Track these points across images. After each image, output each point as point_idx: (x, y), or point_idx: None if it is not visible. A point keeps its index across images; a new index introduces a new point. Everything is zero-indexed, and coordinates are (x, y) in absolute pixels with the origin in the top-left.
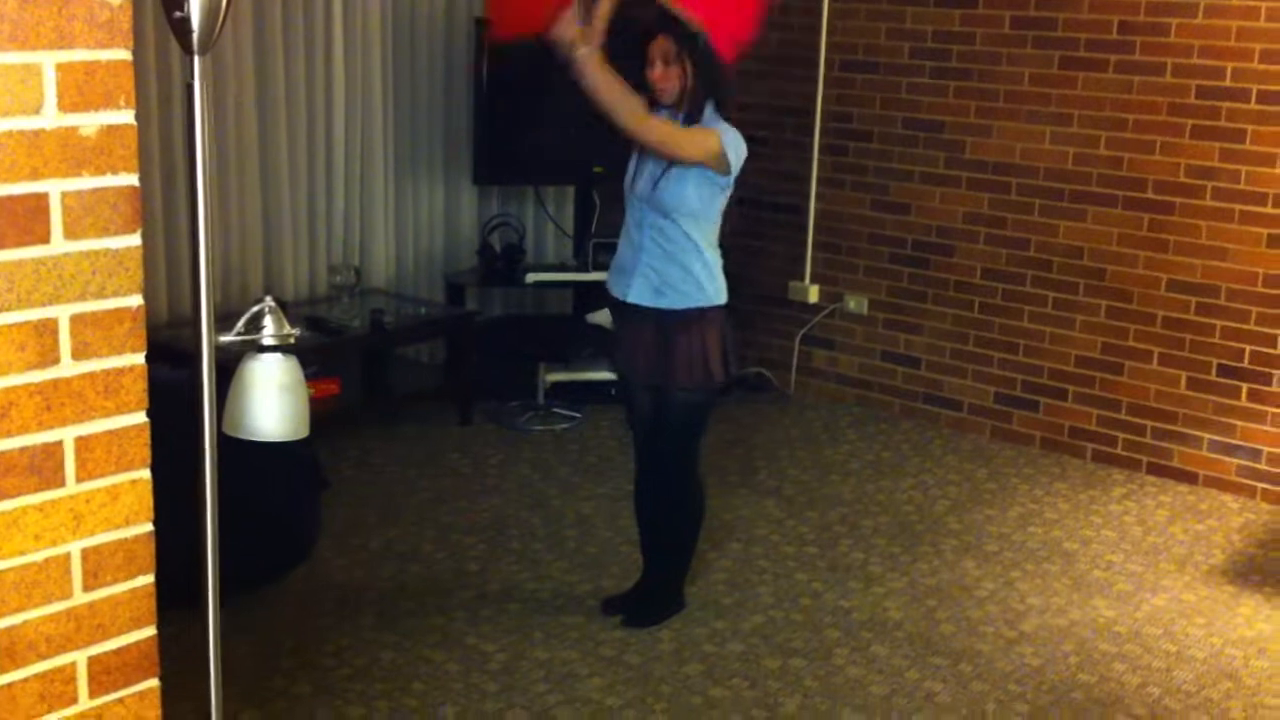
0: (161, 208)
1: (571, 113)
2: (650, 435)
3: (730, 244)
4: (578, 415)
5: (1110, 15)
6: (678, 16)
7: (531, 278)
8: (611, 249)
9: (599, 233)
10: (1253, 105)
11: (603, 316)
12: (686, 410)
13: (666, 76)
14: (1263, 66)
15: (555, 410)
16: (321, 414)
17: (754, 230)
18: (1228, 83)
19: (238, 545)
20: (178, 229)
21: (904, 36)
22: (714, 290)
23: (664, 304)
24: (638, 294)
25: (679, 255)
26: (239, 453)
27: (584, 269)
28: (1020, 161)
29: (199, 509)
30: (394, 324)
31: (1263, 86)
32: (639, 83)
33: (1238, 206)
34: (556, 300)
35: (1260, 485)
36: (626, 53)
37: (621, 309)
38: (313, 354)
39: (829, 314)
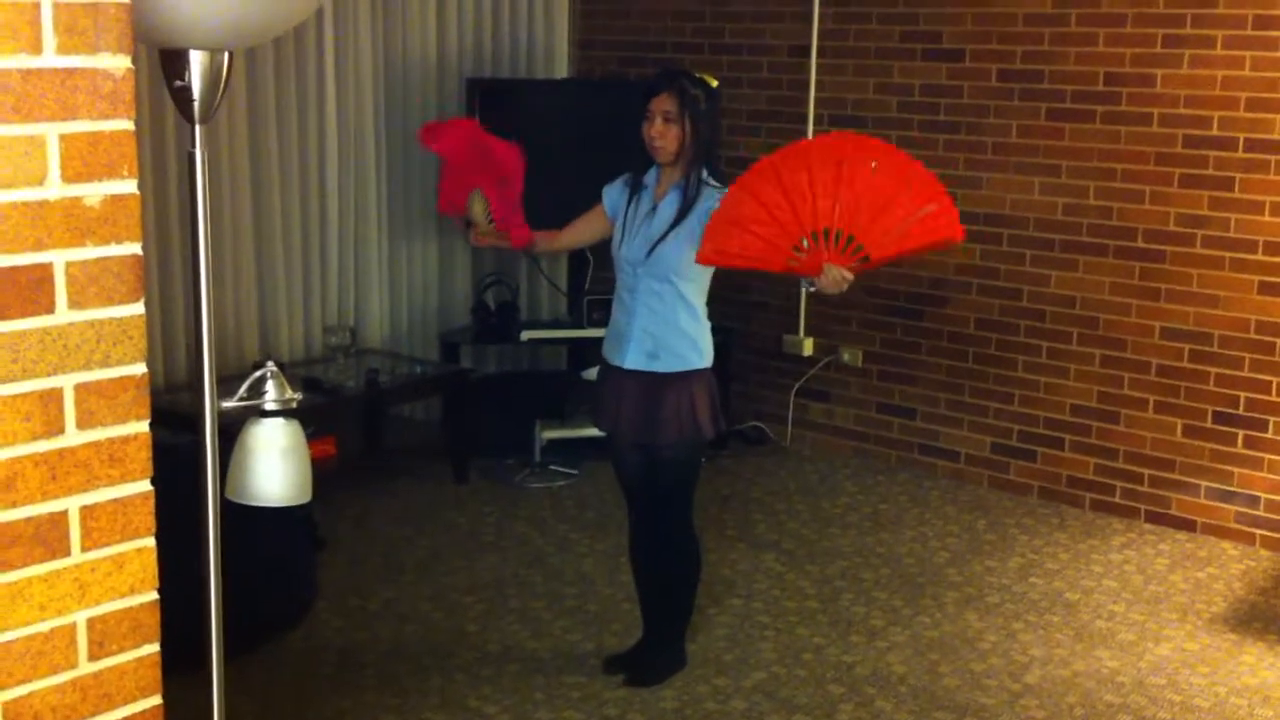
0: (156, 273)
1: (563, 170)
2: (644, 494)
3: (725, 298)
4: (575, 472)
5: (1096, 67)
6: (682, 75)
7: (526, 335)
8: (605, 305)
9: (593, 289)
10: (1240, 154)
11: (597, 373)
12: (678, 467)
13: (665, 134)
14: (1249, 115)
15: (552, 467)
16: (318, 474)
17: (748, 284)
18: (1215, 131)
19: (234, 607)
20: (172, 294)
21: (892, 91)
22: (707, 354)
23: (657, 367)
24: (634, 359)
25: (674, 318)
26: (234, 514)
27: (578, 325)
28: (1010, 212)
29: (202, 575)
30: (389, 383)
31: (1250, 135)
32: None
33: (1228, 254)
34: (551, 357)
35: (1259, 532)
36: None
37: (609, 371)
38: (309, 414)
39: (824, 366)
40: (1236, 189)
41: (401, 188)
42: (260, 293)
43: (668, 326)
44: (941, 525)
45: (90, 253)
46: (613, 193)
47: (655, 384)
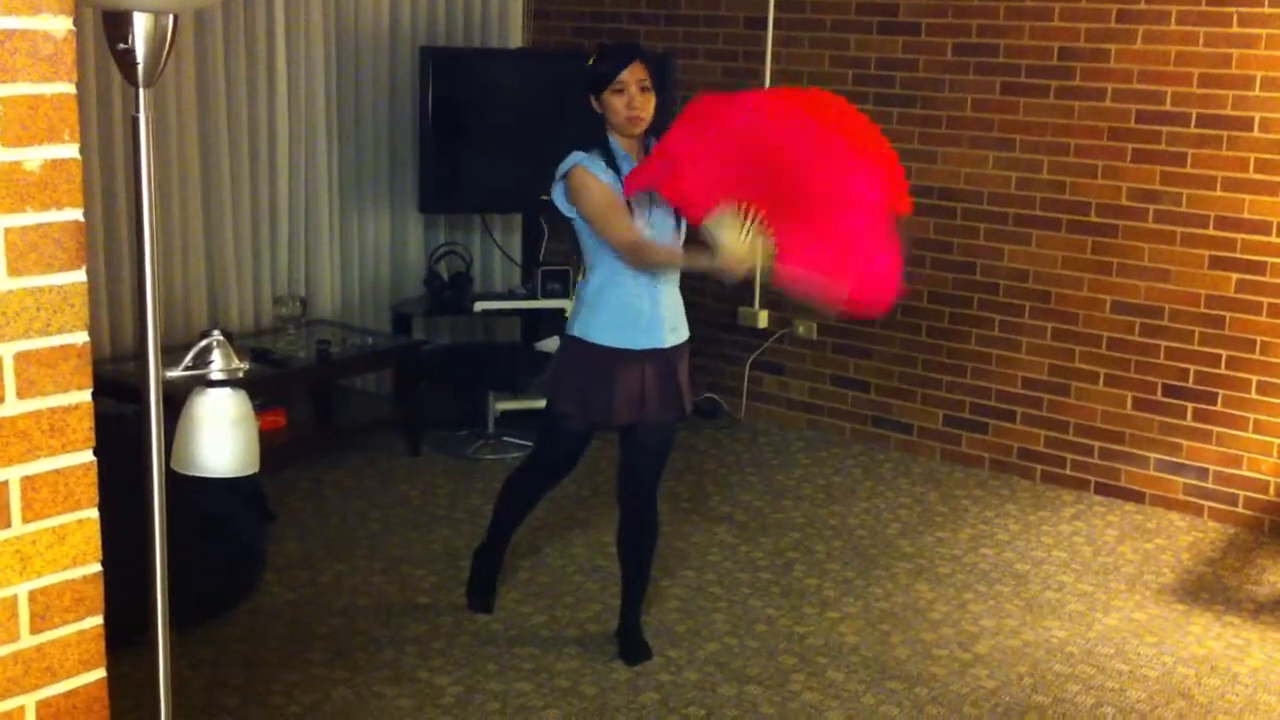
0: (103, 240)
1: (517, 140)
2: (638, 474)
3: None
4: (528, 444)
5: (1051, 42)
6: (638, 46)
7: (480, 306)
8: (559, 276)
9: (547, 260)
10: (1192, 129)
11: (552, 344)
12: (674, 437)
13: (645, 104)
14: (1202, 90)
15: (505, 439)
16: (268, 446)
17: None
18: (1167, 107)
19: (181, 579)
20: (119, 262)
21: (847, 64)
22: None
23: (677, 340)
24: (673, 336)
25: (678, 290)
26: (182, 486)
27: (532, 296)
28: (965, 186)
29: (148, 546)
30: (340, 354)
31: (1202, 110)
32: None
33: (1179, 229)
34: (505, 329)
35: (1207, 504)
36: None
37: (620, 358)
38: (258, 386)
39: (778, 339)
40: (1188, 164)
41: (353, 156)
42: (209, 262)
43: (678, 298)
44: (894, 497)
45: (30, 219)
46: (606, 176)
47: (673, 358)
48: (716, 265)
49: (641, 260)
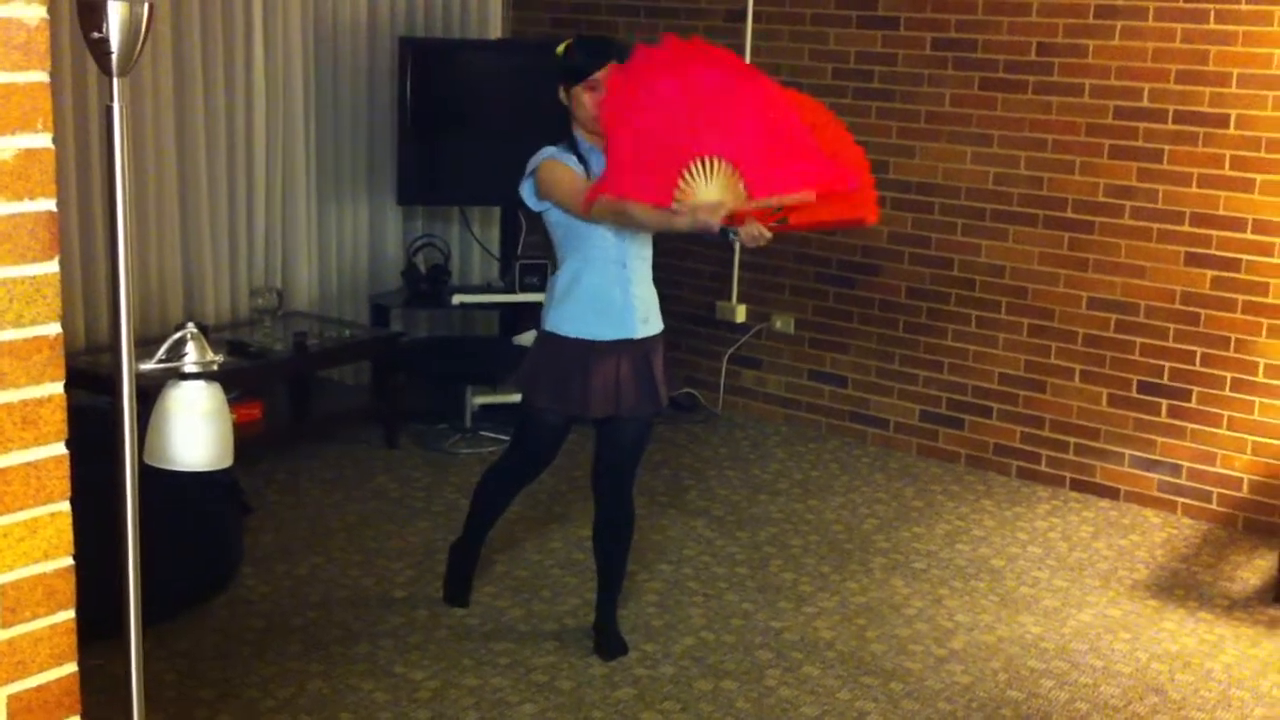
0: (78, 231)
1: (496, 132)
2: (614, 467)
3: (658, 264)
4: (505, 438)
5: (1029, 37)
6: (617, 43)
7: (458, 299)
8: (537, 270)
9: (525, 254)
10: (1170, 125)
11: (529, 338)
12: (650, 431)
13: None
14: (1179, 87)
15: (483, 433)
16: (244, 439)
17: (681, 250)
18: (1145, 103)
19: (156, 573)
20: (94, 252)
21: (827, 58)
22: None
23: (648, 331)
24: (645, 327)
25: (652, 281)
26: (156, 478)
27: (510, 290)
28: (942, 181)
29: (119, 540)
30: (318, 347)
31: (1179, 107)
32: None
33: (1155, 225)
34: (483, 322)
35: (1181, 500)
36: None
37: (590, 349)
38: (235, 378)
39: (756, 334)
40: (1165, 160)
41: (331, 146)
42: (185, 254)
43: (651, 290)
44: (870, 492)
45: (2, 209)
46: (577, 166)
47: (647, 350)
48: (696, 218)
49: (630, 219)
